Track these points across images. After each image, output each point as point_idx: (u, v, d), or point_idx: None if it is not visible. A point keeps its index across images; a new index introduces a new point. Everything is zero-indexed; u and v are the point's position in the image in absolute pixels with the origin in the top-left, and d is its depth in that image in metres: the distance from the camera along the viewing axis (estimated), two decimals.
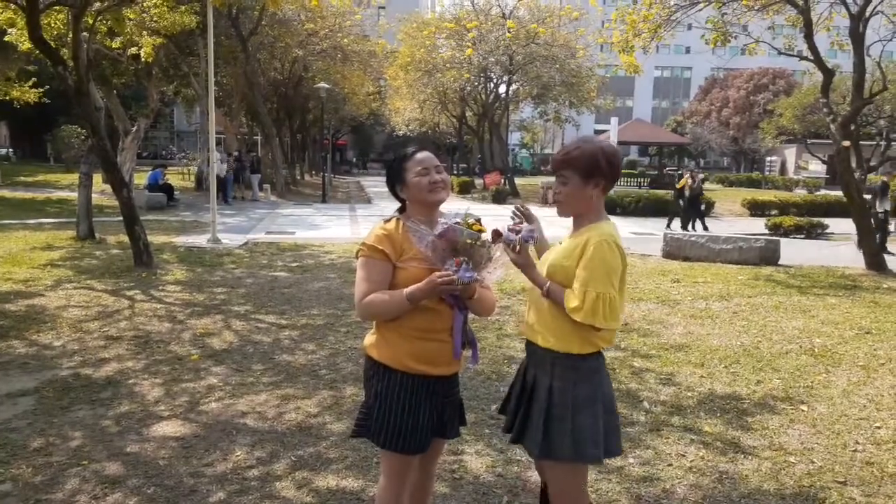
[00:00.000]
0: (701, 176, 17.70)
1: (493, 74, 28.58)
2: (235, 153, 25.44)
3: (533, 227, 2.45)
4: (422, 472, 2.64)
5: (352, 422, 4.03)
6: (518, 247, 2.38)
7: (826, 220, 16.93)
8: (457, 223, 2.32)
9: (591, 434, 2.35)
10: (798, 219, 16.98)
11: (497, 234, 2.39)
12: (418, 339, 2.39)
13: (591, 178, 2.36)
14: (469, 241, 2.29)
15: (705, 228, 16.47)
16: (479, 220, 2.37)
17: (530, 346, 2.51)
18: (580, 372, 2.38)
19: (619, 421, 2.53)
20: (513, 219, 2.48)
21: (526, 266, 2.41)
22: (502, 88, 29.92)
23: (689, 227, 16.68)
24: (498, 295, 7.52)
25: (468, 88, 29.49)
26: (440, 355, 2.42)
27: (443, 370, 2.46)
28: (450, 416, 2.53)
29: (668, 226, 16.68)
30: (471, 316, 2.53)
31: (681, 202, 17.28)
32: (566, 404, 2.36)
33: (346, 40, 27.77)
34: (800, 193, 29.58)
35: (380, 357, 2.45)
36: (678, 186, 17.41)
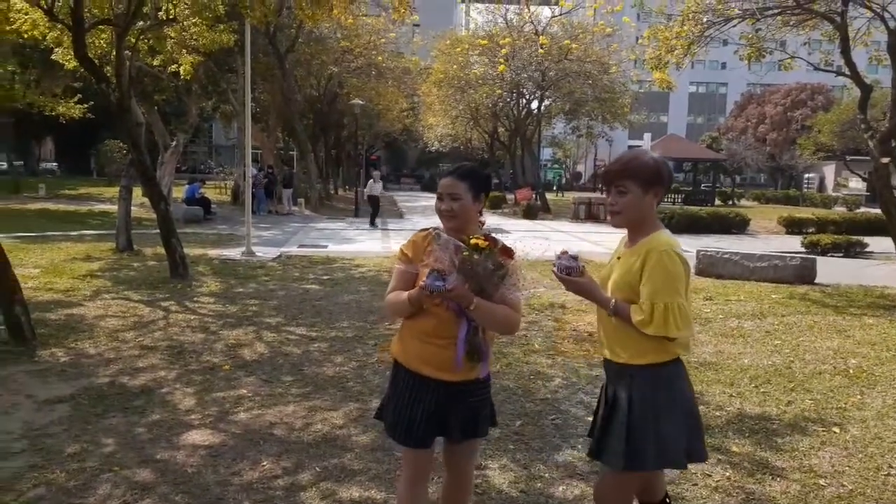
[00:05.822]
0: None
1: (525, 90, 28.65)
2: (269, 168, 25.89)
3: (576, 255, 2.51)
4: (452, 472, 2.80)
5: (377, 434, 4.11)
6: (580, 270, 2.45)
7: (866, 239, 16.49)
8: (460, 240, 2.43)
9: (674, 441, 2.41)
10: (836, 236, 16.56)
11: (507, 251, 2.47)
12: (422, 342, 2.56)
13: (651, 188, 2.41)
14: (465, 253, 2.39)
15: None
16: (486, 237, 2.45)
17: (606, 362, 2.57)
18: (659, 380, 2.43)
19: (702, 425, 2.56)
20: (559, 256, 2.54)
21: (589, 288, 2.47)
22: (534, 104, 29.97)
23: None
24: (525, 310, 7.50)
25: (500, 104, 29.58)
26: (442, 361, 2.53)
27: (447, 376, 2.55)
28: (455, 423, 2.61)
29: None
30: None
31: None
32: (647, 414, 2.41)
33: (380, 57, 28.20)
34: (838, 211, 28.95)
35: (394, 352, 2.71)
36: None
